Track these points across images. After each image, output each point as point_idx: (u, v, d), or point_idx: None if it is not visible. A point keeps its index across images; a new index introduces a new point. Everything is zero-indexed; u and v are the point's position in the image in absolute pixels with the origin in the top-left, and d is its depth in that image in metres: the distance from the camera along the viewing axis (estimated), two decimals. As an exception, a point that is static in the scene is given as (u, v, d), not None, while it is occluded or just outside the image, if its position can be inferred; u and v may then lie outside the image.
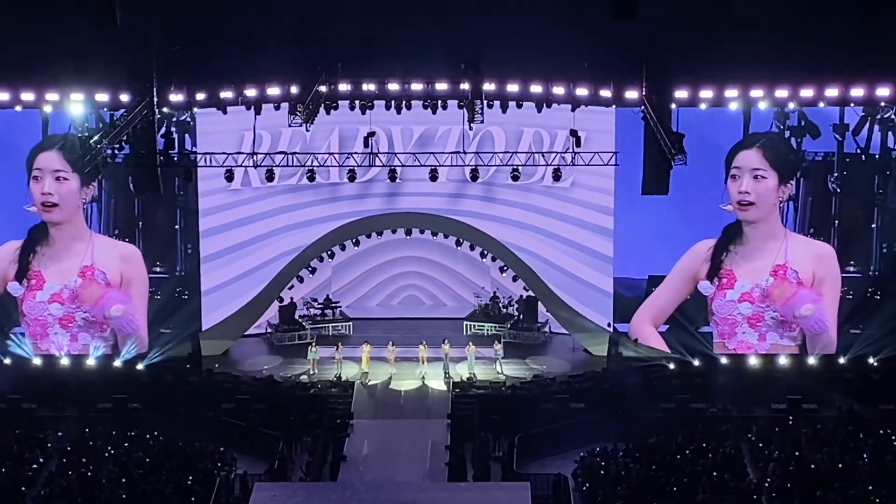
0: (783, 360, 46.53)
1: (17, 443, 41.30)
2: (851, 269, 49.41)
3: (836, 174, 49.38)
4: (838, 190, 49.53)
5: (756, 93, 45.82)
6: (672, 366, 46.78)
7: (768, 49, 43.66)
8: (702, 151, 44.59)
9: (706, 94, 45.60)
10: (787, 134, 48.70)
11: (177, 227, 51.05)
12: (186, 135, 48.90)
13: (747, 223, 47.55)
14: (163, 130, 44.38)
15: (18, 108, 46.71)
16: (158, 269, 50.94)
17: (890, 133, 48.64)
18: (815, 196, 49.65)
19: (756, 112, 47.39)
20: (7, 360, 46.67)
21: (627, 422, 43.15)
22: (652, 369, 46.84)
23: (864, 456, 39.97)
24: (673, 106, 43.96)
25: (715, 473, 38.86)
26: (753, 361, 46.65)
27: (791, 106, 47.15)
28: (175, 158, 45.33)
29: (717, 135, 47.44)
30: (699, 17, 43.79)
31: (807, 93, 45.79)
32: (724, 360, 46.99)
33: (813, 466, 39.12)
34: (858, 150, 49.29)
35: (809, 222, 49.50)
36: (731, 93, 45.74)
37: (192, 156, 47.00)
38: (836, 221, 49.65)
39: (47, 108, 46.96)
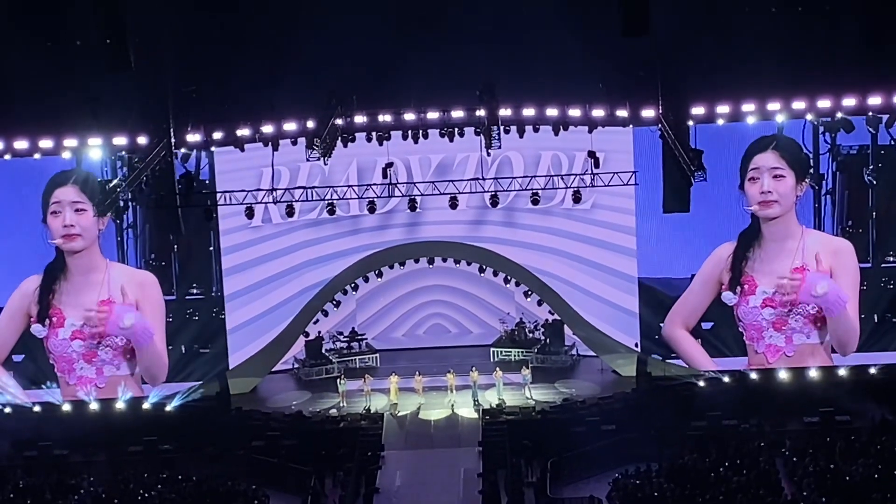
0: (814, 373, 46.11)
1: (50, 490, 41.27)
2: (891, 259, 49.33)
3: (871, 166, 49.22)
4: (874, 182, 49.37)
5: (773, 106, 45.77)
6: (702, 383, 46.49)
7: (783, 61, 43.66)
8: (722, 166, 44.63)
9: (723, 109, 45.58)
10: (820, 129, 48.52)
11: (211, 248, 51.18)
12: (204, 174, 49.08)
13: (766, 222, 47.01)
14: (181, 171, 44.58)
15: (37, 156, 47.09)
16: (195, 291, 51.48)
17: (924, 123, 48.61)
18: (851, 189, 49.54)
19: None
20: (37, 408, 46.63)
21: (660, 441, 42.94)
22: (681, 388, 46.58)
23: (900, 465, 39.74)
24: (690, 123, 43.89)
25: (750, 490, 38.64)
26: (784, 375, 46.27)
27: (809, 118, 47.07)
28: (194, 198, 45.31)
29: (738, 148, 47.28)
30: (712, 33, 43.80)
31: (824, 104, 45.79)
32: (753, 376, 46.64)
33: (848, 479, 38.78)
34: (893, 142, 49.08)
35: (847, 215, 49.39)
36: (747, 107, 45.70)
37: (211, 195, 47.00)
38: (874, 213, 49.49)
39: (66, 155, 47.27)
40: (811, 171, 48.49)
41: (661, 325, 49.39)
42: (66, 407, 46.57)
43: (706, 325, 48.97)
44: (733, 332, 47.35)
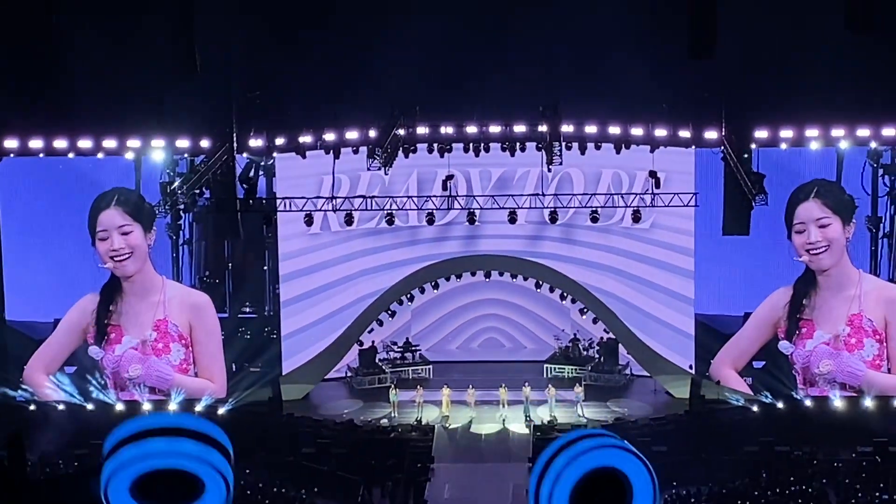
0: (868, 403, 45.88)
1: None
2: None
3: (931, 210, 48.86)
4: (934, 226, 49.01)
5: (837, 132, 45.48)
6: (755, 408, 46.23)
7: (848, 87, 43.36)
8: (786, 190, 44.43)
9: (786, 133, 45.35)
10: (880, 172, 48.16)
11: (265, 267, 51.44)
12: (263, 178, 49.33)
13: (821, 271, 47.09)
14: (243, 175, 44.87)
15: (100, 156, 47.36)
16: (248, 310, 51.79)
17: None
18: (913, 231, 49.23)
19: (849, 150, 46.91)
20: (90, 406, 46.94)
21: (710, 465, 42.67)
22: (735, 412, 46.33)
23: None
24: (753, 146, 43.71)
25: (800, 517, 38.42)
26: (838, 404, 46.03)
27: (873, 145, 46.73)
28: (254, 203, 45.54)
29: (801, 173, 47.06)
30: (778, 57, 43.58)
31: (888, 132, 45.48)
32: (808, 403, 46.40)
33: (901, 510, 38.56)
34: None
35: (907, 258, 49.05)
36: (811, 132, 45.44)
37: (271, 201, 47.22)
38: (938, 256, 49.14)
39: (129, 155, 47.56)
40: (864, 210, 48.08)
41: (717, 348, 49.37)
42: (120, 406, 46.94)
43: (758, 364, 48.83)
44: (785, 373, 47.31)
